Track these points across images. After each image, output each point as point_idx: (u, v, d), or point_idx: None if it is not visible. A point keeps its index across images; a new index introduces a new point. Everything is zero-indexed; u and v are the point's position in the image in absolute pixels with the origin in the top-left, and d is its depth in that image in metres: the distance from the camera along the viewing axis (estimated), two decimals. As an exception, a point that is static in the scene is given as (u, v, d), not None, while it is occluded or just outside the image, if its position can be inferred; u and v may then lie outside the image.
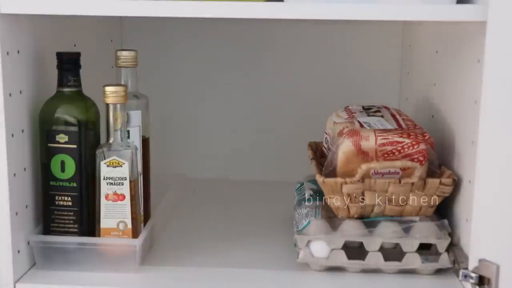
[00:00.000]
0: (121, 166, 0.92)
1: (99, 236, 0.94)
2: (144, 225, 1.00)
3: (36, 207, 0.96)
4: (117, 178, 0.92)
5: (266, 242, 1.06)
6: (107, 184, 0.92)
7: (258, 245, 1.05)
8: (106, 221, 0.93)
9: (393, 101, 1.36)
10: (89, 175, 0.94)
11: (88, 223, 0.95)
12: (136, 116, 0.99)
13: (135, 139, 0.98)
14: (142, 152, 1.01)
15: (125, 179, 0.92)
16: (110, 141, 0.93)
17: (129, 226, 0.93)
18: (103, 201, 0.93)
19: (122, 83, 1.00)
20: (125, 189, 0.92)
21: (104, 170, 0.92)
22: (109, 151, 0.93)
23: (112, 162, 0.92)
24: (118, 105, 0.93)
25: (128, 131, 0.97)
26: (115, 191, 0.93)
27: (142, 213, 0.99)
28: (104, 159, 0.92)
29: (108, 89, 0.92)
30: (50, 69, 0.95)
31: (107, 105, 0.93)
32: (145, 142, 1.03)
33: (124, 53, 1.00)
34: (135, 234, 0.94)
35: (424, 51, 1.20)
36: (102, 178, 0.92)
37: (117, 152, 0.93)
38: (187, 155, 1.43)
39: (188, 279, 0.93)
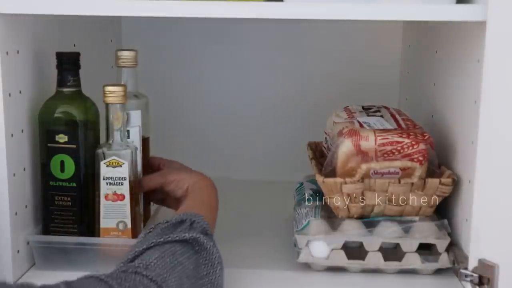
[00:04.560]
0: (120, 166, 0.92)
1: (98, 236, 0.94)
2: (144, 224, 1.00)
3: (35, 207, 0.96)
4: (116, 178, 0.92)
5: (266, 242, 1.06)
6: (107, 184, 0.92)
7: (258, 245, 1.05)
8: (105, 221, 0.93)
9: (393, 101, 1.36)
10: (89, 175, 0.94)
11: (88, 223, 0.95)
12: (136, 116, 0.99)
13: (135, 139, 0.98)
14: (142, 152, 1.00)
15: (125, 179, 0.92)
16: (110, 141, 0.93)
17: (129, 226, 0.93)
18: (102, 201, 0.93)
19: (122, 83, 1.00)
20: (125, 189, 0.92)
21: (104, 170, 0.92)
22: (109, 151, 0.93)
23: (112, 162, 0.92)
24: (118, 105, 0.93)
25: (128, 131, 0.97)
26: (115, 191, 0.92)
27: (142, 212, 0.99)
28: (104, 159, 0.92)
29: (108, 89, 0.92)
30: (50, 69, 0.95)
31: (107, 105, 0.93)
32: (145, 141, 1.03)
33: (125, 53, 1.00)
34: (134, 234, 0.94)
35: (424, 51, 1.20)
36: (101, 178, 0.92)
37: (116, 152, 0.92)
38: (187, 155, 1.42)
39: (188, 279, 0.93)
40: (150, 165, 1.03)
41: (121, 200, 0.93)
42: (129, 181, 0.92)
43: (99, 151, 0.93)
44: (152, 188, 0.98)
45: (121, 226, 0.93)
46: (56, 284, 0.69)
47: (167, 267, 0.75)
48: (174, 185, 0.96)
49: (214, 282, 0.80)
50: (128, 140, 0.96)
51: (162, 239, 0.79)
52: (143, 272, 0.73)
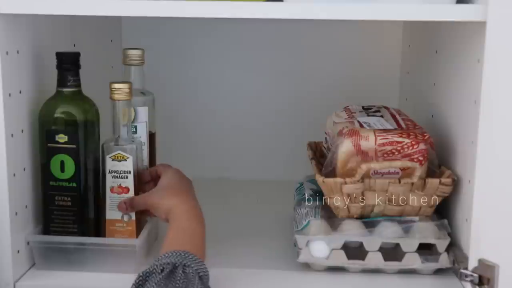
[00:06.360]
0: (125, 160, 0.94)
1: (104, 227, 0.95)
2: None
3: (35, 207, 0.96)
4: (121, 172, 0.94)
5: (266, 242, 1.06)
6: (112, 177, 0.94)
7: (258, 245, 1.05)
8: (111, 213, 0.95)
9: (393, 101, 1.36)
10: (89, 175, 0.94)
11: (88, 223, 0.95)
12: (143, 112, 1.02)
13: (142, 134, 1.02)
14: (149, 146, 1.04)
15: (129, 173, 0.94)
16: (116, 136, 0.95)
17: (133, 218, 0.95)
18: (108, 193, 0.95)
19: (130, 80, 1.02)
20: (129, 182, 0.94)
21: (110, 163, 0.94)
22: (115, 145, 0.95)
23: (117, 156, 0.94)
24: (124, 102, 0.94)
25: (136, 126, 1.01)
26: (120, 184, 0.94)
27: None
28: (110, 153, 0.94)
29: (114, 86, 0.94)
30: (50, 69, 0.95)
31: (113, 101, 0.94)
32: (151, 137, 1.05)
33: (132, 51, 1.03)
34: (138, 226, 0.96)
35: (424, 51, 1.20)
36: (107, 171, 0.94)
37: (122, 147, 0.94)
38: (187, 155, 1.42)
39: (188, 279, 0.93)
40: (152, 176, 1.00)
41: (125, 193, 0.95)
42: (134, 175, 0.94)
43: (105, 145, 0.95)
44: (139, 210, 0.96)
45: (125, 218, 0.95)
46: None
47: None
48: (154, 210, 0.94)
49: None
50: (133, 135, 0.99)
51: None
52: None
